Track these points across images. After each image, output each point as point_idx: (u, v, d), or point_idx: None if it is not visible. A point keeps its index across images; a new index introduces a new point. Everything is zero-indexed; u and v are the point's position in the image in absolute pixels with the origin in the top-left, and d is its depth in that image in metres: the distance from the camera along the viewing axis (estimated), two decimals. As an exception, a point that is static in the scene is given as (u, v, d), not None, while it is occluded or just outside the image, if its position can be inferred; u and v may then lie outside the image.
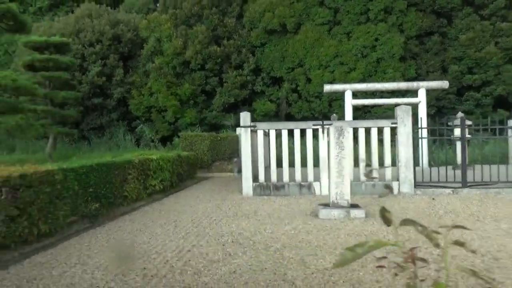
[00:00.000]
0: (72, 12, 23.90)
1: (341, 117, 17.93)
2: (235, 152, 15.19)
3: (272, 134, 8.81)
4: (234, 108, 22.04)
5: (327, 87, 14.74)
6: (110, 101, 21.35)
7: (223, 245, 4.69)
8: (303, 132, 8.89)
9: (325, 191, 8.62)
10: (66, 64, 15.05)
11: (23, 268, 3.98)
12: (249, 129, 8.69)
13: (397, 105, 18.03)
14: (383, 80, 19.52)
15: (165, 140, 21.10)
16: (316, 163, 8.79)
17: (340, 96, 20.27)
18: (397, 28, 20.04)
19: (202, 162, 14.30)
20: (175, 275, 3.65)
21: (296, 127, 8.75)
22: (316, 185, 8.65)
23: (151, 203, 8.10)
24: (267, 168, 9.37)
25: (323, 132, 8.54)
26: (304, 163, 8.94)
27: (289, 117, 22.22)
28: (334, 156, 6.27)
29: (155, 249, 4.57)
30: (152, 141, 19.81)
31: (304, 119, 20.97)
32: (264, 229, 5.50)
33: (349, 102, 14.63)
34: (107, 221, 6.29)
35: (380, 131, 8.70)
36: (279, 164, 9.22)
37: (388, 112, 20.60)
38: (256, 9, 21.24)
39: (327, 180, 8.57)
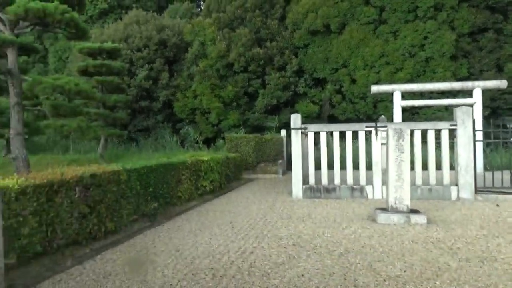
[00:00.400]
0: (121, 19, 24.94)
1: (389, 118, 17.44)
2: (280, 153, 15.17)
3: (323, 136, 8.69)
4: (276, 110, 22.05)
5: (375, 88, 14.35)
6: (156, 104, 22.02)
7: (285, 247, 4.67)
8: (353, 134, 8.70)
9: (378, 195, 8.38)
10: (118, 69, 15.69)
11: (96, 263, 4.16)
12: (299, 131, 8.63)
13: (449, 106, 17.32)
14: (432, 80, 18.77)
15: (208, 142, 21.45)
16: (368, 166, 8.57)
17: (386, 97, 19.73)
18: (448, 26, 19.17)
19: (247, 163, 14.39)
20: (243, 276, 3.67)
21: (348, 129, 8.58)
22: (368, 188, 8.43)
23: (203, 204, 8.24)
24: (317, 170, 9.25)
25: (376, 134, 8.32)
26: (355, 166, 8.74)
27: (332, 119, 21.89)
28: (393, 159, 6.07)
29: (218, 249, 4.62)
30: (196, 142, 20.20)
31: (348, 120, 20.59)
32: (322, 232, 5.42)
33: (398, 103, 14.16)
34: (164, 220, 6.46)
35: (433, 133, 8.34)
36: (328, 166, 9.07)
37: (437, 114, 19.80)
38: (299, 10, 21.12)
39: (380, 183, 8.35)
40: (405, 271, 3.72)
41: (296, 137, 8.68)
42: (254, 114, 21.62)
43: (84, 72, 15.39)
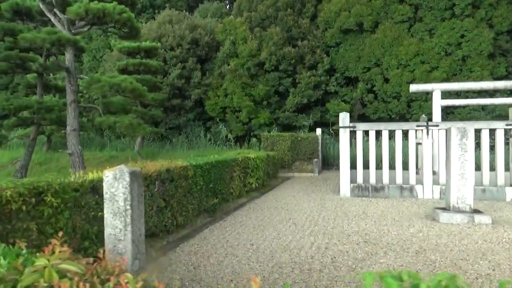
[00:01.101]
0: (154, 18, 25.36)
1: (428, 118, 17.17)
2: (315, 152, 15.16)
3: (372, 134, 8.66)
4: (307, 109, 22.02)
5: (414, 87, 14.13)
6: (188, 102, 22.32)
7: (357, 244, 4.71)
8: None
9: (428, 195, 8.30)
10: (155, 67, 16.00)
11: (180, 255, 4.31)
12: (348, 130, 8.63)
13: (491, 105, 16.96)
14: (469, 79, 18.39)
15: (238, 140, 21.62)
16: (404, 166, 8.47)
17: (420, 96, 19.43)
18: (486, 23, 18.73)
19: (283, 162, 14.45)
20: (330, 270, 3.74)
21: (398, 128, 8.52)
22: (418, 188, 8.36)
23: (252, 201, 8.35)
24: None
25: (427, 133, 8.24)
26: (405, 166, 8.68)
27: (363, 118, 21.70)
28: (456, 158, 6.02)
29: (291, 244, 4.71)
30: (228, 140, 20.39)
31: (380, 120, 20.36)
32: (387, 230, 5.43)
33: (438, 103, 13.90)
34: (224, 216, 6.59)
35: (488, 133, 8.19)
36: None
37: (473, 113, 19.37)
38: (331, 8, 21.02)
39: (431, 183, 8.26)
40: (493, 270, 3.72)
41: (344, 136, 8.69)
42: (285, 113, 21.65)
43: (124, 70, 15.74)
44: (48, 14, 9.33)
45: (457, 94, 18.98)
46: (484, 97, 18.08)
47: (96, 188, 3.87)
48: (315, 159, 14.71)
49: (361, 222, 6.00)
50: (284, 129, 21.28)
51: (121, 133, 18.27)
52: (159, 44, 16.61)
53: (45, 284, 1.17)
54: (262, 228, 5.63)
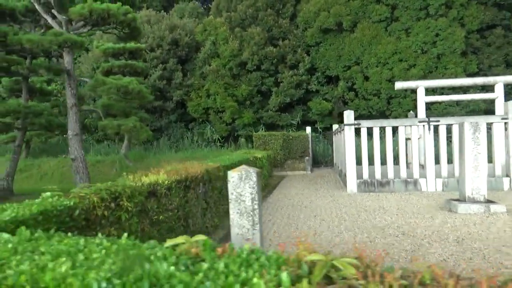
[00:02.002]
0: (128, 18, 24.76)
1: (402, 114, 17.79)
2: (306, 150, 15.39)
3: (376, 131, 8.94)
4: (289, 108, 22.29)
5: (399, 84, 14.66)
6: (169, 104, 21.99)
7: (396, 237, 4.89)
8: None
9: (431, 188, 8.67)
10: (141, 68, 15.63)
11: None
12: (353, 127, 8.86)
13: (465, 101, 17.81)
14: (444, 76, 19.30)
15: (222, 141, 21.55)
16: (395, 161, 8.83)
17: (399, 93, 20.14)
18: (458, 23, 19.71)
19: (276, 160, 14.57)
20: (393, 262, 3.87)
21: (401, 124, 8.85)
22: (422, 181, 8.72)
23: (264, 200, 8.38)
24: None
25: (429, 128, 8.61)
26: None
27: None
28: (470, 151, 6.35)
29: (335, 240, 4.81)
30: (215, 141, 20.28)
31: (361, 117, 20.93)
32: (415, 222, 5.66)
33: (422, 99, 14.49)
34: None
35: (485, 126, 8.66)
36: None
37: (448, 109, 20.34)
38: (310, 9, 21.37)
39: (434, 176, 8.64)
40: (539, 253, 3.99)
41: (349, 133, 8.91)
42: (268, 112, 21.80)
43: (108, 72, 15.30)
44: (45, 15, 8.93)
45: (433, 91, 19.85)
46: (458, 93, 19.03)
47: (154, 192, 3.80)
48: (307, 157, 14.95)
49: (385, 216, 6.21)
50: (268, 128, 21.42)
51: (110, 137, 17.67)
52: (144, 45, 16.24)
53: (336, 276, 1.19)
54: (295, 225, 5.71)
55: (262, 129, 19.76)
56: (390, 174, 8.89)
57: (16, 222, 2.02)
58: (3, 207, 2.27)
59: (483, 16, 19.85)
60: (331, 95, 21.81)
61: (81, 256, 1.25)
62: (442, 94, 19.40)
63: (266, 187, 10.35)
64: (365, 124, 9.02)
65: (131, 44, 15.68)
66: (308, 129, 16.51)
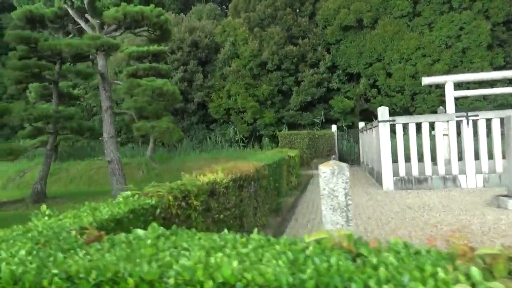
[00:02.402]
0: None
1: (426, 111, 17.46)
2: (332, 149, 15.24)
3: (412, 127, 8.76)
4: (310, 106, 22.13)
5: (426, 80, 14.38)
6: (191, 105, 22.09)
7: (453, 233, 4.73)
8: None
9: (471, 184, 8.45)
10: (165, 71, 15.73)
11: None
12: (388, 124, 8.70)
13: (499, 95, 17.42)
14: (469, 70, 18.86)
15: (243, 141, 21.53)
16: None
17: (424, 89, 19.76)
18: (483, 15, 19.26)
19: (302, 159, 14.44)
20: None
21: (437, 119, 8.65)
22: (461, 177, 8.49)
23: (300, 199, 8.30)
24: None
25: (467, 123, 8.38)
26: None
27: (367, 113, 21.97)
28: (519, 145, 6.14)
29: (390, 236, 4.69)
30: (238, 141, 20.30)
31: (384, 114, 20.64)
32: (467, 220, 5.50)
33: (451, 94, 14.17)
34: (288, 214, 6.53)
35: None
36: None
37: (475, 104, 19.86)
38: (330, 6, 21.19)
39: (474, 172, 8.41)
40: None
41: (384, 130, 8.75)
42: (289, 111, 21.68)
43: (133, 75, 15.46)
44: (78, 20, 9.08)
45: (458, 86, 19.41)
46: (485, 87, 18.56)
47: (213, 191, 3.76)
48: (333, 156, 14.79)
49: (432, 213, 6.05)
50: (289, 128, 21.31)
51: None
52: (166, 47, 16.35)
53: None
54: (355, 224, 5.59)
55: (285, 129, 19.66)
56: (428, 171, 8.70)
57: (113, 220, 2.00)
58: (94, 206, 2.25)
59: (509, 7, 19.36)
60: (353, 92, 21.56)
61: (232, 252, 1.20)
62: (467, 88, 18.99)
63: (299, 185, 10.26)
64: (400, 120, 8.85)
65: (154, 47, 15.81)
66: (334, 127, 16.33)
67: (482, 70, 18.45)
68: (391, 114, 21.23)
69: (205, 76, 22.56)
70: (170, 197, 2.79)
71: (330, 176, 2.82)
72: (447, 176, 8.59)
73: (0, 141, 20.26)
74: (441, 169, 8.63)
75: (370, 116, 22.24)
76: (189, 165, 15.73)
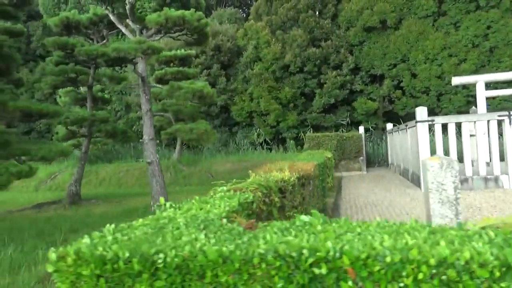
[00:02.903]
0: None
1: (451, 111, 17.26)
2: (360, 150, 15.16)
3: (452, 127, 8.66)
4: (332, 109, 22.07)
5: (456, 80, 14.19)
6: (214, 109, 22.27)
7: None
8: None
9: (514, 184, 8.29)
10: (193, 75, 15.92)
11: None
12: (426, 124, 8.63)
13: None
14: (498, 69, 18.53)
15: (266, 143, 21.59)
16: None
17: (450, 90, 19.48)
18: (511, 13, 18.90)
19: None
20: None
21: (479, 119, 8.54)
22: (504, 178, 8.35)
23: (339, 200, 8.29)
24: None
25: (510, 122, 8.25)
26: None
27: (391, 115, 21.81)
28: None
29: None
30: (262, 143, 20.37)
31: (409, 116, 20.41)
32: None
33: (482, 94, 13.95)
34: (332, 214, 6.53)
35: None
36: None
37: (503, 104, 19.48)
38: (352, 7, 21.12)
39: (517, 172, 8.26)
40: None
41: (423, 130, 8.68)
42: (311, 114, 21.65)
43: (161, 79, 15.71)
44: (119, 25, 9.30)
45: (487, 86, 19.07)
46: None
47: (281, 189, 3.80)
48: (361, 157, 14.72)
49: (484, 213, 5.98)
50: (313, 130, 21.28)
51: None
52: (193, 51, 16.55)
53: None
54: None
55: (310, 130, 19.64)
56: (468, 171, 8.58)
57: (230, 212, 2.06)
58: (203, 200, 2.32)
59: (538, 5, 18.96)
60: (376, 94, 21.39)
61: (419, 234, 1.23)
62: (495, 88, 18.64)
63: (333, 187, 10.24)
64: (439, 120, 8.77)
65: (182, 51, 16.04)
66: (361, 128, 16.24)
67: (511, 69, 18.11)
68: (414, 116, 21.08)
69: (228, 79, 22.73)
70: (259, 193, 2.85)
71: (438, 170, 2.83)
72: (488, 176, 8.46)
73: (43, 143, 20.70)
74: (482, 170, 8.50)
75: (394, 118, 22.06)
76: (216, 167, 15.88)
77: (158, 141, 20.26)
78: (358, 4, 20.88)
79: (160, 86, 9.40)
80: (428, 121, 8.65)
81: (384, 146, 16.55)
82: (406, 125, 10.62)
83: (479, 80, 13.98)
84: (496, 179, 8.42)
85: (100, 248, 1.35)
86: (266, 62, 21.84)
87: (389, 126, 14.72)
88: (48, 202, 11.69)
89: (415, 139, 9.22)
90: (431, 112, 20.30)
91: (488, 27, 18.79)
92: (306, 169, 4.49)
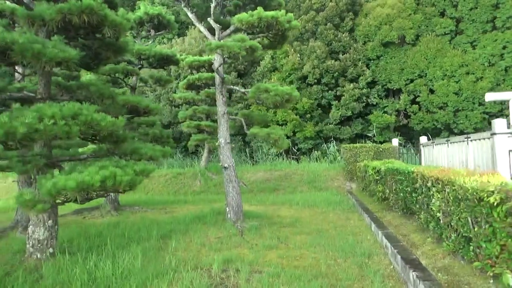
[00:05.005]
0: (178, 36, 24.90)
1: (471, 127, 17.55)
2: (393, 163, 15.12)
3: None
4: (348, 121, 22.16)
5: (490, 96, 14.44)
6: (229, 117, 21.87)
7: None
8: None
9: None
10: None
11: None
12: (506, 136, 8.62)
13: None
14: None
15: (281, 153, 21.35)
16: None
17: (466, 106, 19.90)
18: (525, 35, 19.65)
19: (366, 173, 14.31)
20: None
21: (556, 132, 8.60)
22: None
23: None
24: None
25: None
26: None
27: (406, 129, 22.08)
28: None
29: None
30: (288, 153, 20.10)
31: (424, 130, 20.76)
32: None
33: (515, 110, 14.29)
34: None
35: None
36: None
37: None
38: (371, 22, 21.44)
39: None
40: None
41: (502, 144, 8.65)
42: (328, 125, 21.64)
43: (191, 84, 15.31)
44: (197, 24, 8.91)
45: (501, 103, 19.65)
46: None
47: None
48: (396, 170, 14.66)
49: None
50: (328, 141, 21.24)
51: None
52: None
53: None
54: None
55: (332, 142, 19.56)
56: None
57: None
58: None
59: (550, 28, 19.80)
60: (391, 108, 21.64)
61: None
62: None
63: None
64: (517, 133, 8.77)
65: (207, 57, 15.73)
66: (395, 141, 16.25)
67: (524, 89, 18.76)
68: (432, 130, 21.33)
69: (244, 88, 22.44)
70: None
71: None
72: None
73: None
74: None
75: (408, 132, 22.37)
76: (247, 176, 15.46)
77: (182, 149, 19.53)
78: (377, 19, 21.21)
79: (237, 88, 9.01)
80: (508, 133, 8.65)
81: (417, 159, 16.57)
82: (468, 137, 10.62)
83: (512, 97, 14.27)
84: None
85: None
86: (284, 72, 21.76)
87: (423, 139, 14.77)
88: (88, 208, 10.96)
89: (486, 154, 9.19)
90: (447, 128, 20.76)
91: (504, 47, 19.44)
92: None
